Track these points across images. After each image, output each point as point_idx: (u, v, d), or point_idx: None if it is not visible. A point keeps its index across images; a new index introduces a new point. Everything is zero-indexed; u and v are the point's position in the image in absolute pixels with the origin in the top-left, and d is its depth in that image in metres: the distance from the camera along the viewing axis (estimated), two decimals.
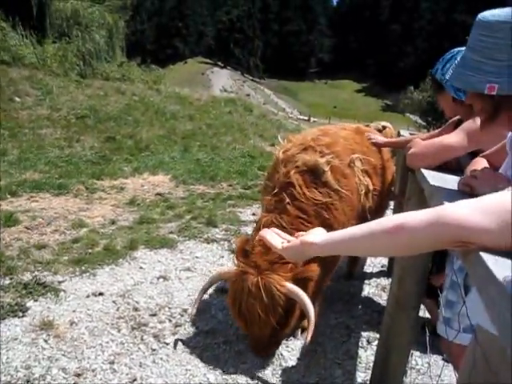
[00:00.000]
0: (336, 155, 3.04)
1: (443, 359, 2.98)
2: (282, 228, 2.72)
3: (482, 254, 0.76)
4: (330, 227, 2.83)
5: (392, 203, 4.96)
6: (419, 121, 39.18)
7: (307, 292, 2.74)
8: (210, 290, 3.78)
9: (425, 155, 2.06)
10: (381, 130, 7.91)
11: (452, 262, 2.33)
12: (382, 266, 4.75)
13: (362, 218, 3.22)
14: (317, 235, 1.19)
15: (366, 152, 3.40)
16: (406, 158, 2.30)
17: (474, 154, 1.90)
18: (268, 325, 2.74)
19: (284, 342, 3.19)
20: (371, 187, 3.30)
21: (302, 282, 2.75)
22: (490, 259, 0.73)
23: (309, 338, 2.65)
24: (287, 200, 2.88)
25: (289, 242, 1.30)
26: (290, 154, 3.10)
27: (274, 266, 2.72)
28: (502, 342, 0.61)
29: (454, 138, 2.02)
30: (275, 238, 1.36)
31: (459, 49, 2.21)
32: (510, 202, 0.78)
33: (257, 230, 3.02)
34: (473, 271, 0.81)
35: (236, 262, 2.94)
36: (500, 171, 1.39)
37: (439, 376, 2.76)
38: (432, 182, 1.63)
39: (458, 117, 2.41)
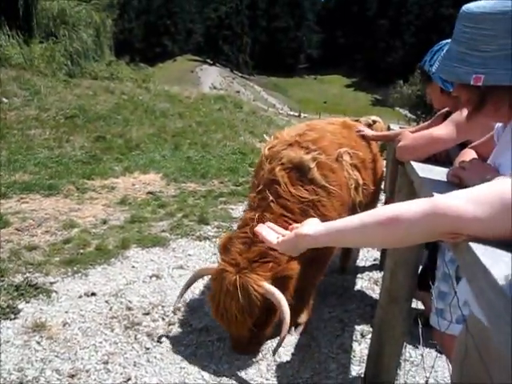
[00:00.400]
0: (323, 150, 3.02)
1: (436, 350, 3.00)
2: None
3: (471, 244, 0.76)
4: None
5: (383, 197, 4.99)
6: (409, 115, 39.38)
7: (288, 290, 2.74)
8: (202, 288, 3.78)
9: (414, 148, 2.07)
10: (371, 125, 7.94)
11: (443, 254, 2.34)
12: (374, 260, 4.77)
13: (353, 213, 3.21)
14: (311, 226, 1.19)
15: (355, 146, 3.39)
16: (395, 151, 2.31)
17: (462, 146, 1.91)
18: (245, 325, 2.72)
19: (278, 337, 3.19)
20: (361, 181, 3.30)
21: (281, 280, 2.72)
22: (479, 249, 0.73)
23: (281, 341, 2.62)
24: (271, 198, 2.85)
25: (284, 236, 1.30)
26: (275, 150, 3.08)
27: (254, 265, 2.70)
28: (492, 330, 0.61)
29: (443, 130, 2.03)
30: (270, 233, 1.36)
31: (447, 41, 2.22)
32: (502, 191, 0.79)
33: (239, 227, 3.02)
34: (462, 261, 0.82)
35: (218, 259, 2.93)
36: (488, 162, 1.40)
37: (433, 367, 2.78)
38: (421, 174, 1.64)
39: (446, 109, 2.42)
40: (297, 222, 2.71)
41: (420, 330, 2.38)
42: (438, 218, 0.83)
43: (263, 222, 2.76)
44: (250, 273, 2.66)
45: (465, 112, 1.86)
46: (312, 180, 2.91)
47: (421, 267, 2.71)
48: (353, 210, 3.19)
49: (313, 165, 2.90)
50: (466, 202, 0.81)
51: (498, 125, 1.48)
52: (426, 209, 0.87)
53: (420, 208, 0.88)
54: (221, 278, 2.73)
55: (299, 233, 1.20)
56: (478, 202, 0.80)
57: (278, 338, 2.68)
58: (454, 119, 2.02)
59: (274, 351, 2.71)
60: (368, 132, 3.66)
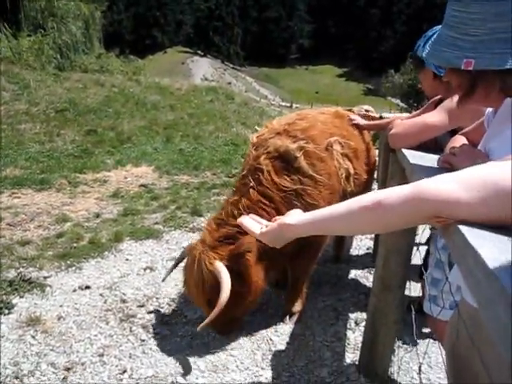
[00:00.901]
0: (311, 139, 3.01)
1: (430, 336, 3.03)
2: (238, 210, 2.83)
3: (460, 226, 0.76)
4: None
5: (376, 186, 5.00)
6: (401, 104, 39.40)
7: (249, 264, 2.77)
8: None
9: (407, 135, 2.07)
10: (364, 115, 7.94)
11: (436, 241, 2.36)
12: (367, 249, 4.80)
13: None
14: (294, 216, 1.19)
15: (346, 135, 3.39)
16: (387, 139, 2.32)
17: (453, 132, 1.92)
18: (200, 299, 2.85)
19: (273, 326, 3.22)
20: (352, 171, 3.30)
21: (239, 256, 2.76)
22: (467, 230, 0.74)
23: (206, 322, 2.64)
24: (251, 184, 2.90)
25: (267, 226, 1.29)
26: (263, 138, 3.10)
27: (216, 244, 2.81)
28: (481, 312, 0.62)
29: (435, 117, 2.04)
30: (254, 224, 1.36)
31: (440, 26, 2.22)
32: (488, 175, 0.79)
33: (221, 208, 3.10)
34: (452, 243, 0.82)
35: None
36: (479, 147, 1.41)
37: (425, 353, 2.82)
38: (412, 161, 1.64)
39: (438, 96, 2.43)
40: (277, 211, 2.79)
41: (413, 317, 2.40)
42: (421, 202, 0.83)
43: (238, 207, 2.87)
44: (210, 251, 2.76)
45: (456, 98, 1.86)
46: (298, 169, 2.91)
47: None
48: (344, 199, 3.18)
49: (299, 154, 2.91)
50: (452, 185, 0.81)
51: (488, 110, 1.49)
52: (409, 193, 0.87)
53: (403, 192, 0.88)
54: (189, 254, 2.90)
55: (282, 223, 1.20)
56: (463, 185, 0.80)
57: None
58: (446, 106, 2.03)
59: (201, 327, 2.68)
60: (360, 121, 3.66)
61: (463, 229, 0.75)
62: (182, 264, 3.07)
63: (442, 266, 2.28)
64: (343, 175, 3.20)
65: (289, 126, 3.10)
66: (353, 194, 3.28)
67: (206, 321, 2.64)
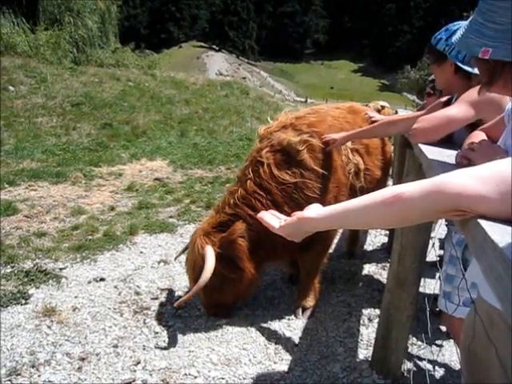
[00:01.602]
0: (317, 133, 3.02)
1: (446, 335, 3.01)
2: (234, 199, 2.97)
3: (479, 220, 0.75)
4: (301, 206, 2.83)
5: (390, 183, 4.97)
6: (416, 100, 38.95)
7: (241, 250, 2.88)
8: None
9: (430, 130, 2.05)
10: (379, 110, 7.89)
11: (451, 237, 2.34)
12: (381, 245, 4.77)
13: (354, 197, 3.20)
14: (313, 210, 1.18)
15: None
16: (408, 135, 2.29)
17: (471, 128, 1.89)
18: (191, 279, 3.03)
19: (286, 321, 3.22)
20: (362, 166, 3.28)
21: (231, 242, 2.88)
22: (487, 225, 0.73)
23: (183, 298, 2.85)
24: (250, 175, 2.98)
25: (285, 221, 1.29)
26: (269, 131, 3.14)
27: (211, 230, 2.96)
28: (502, 307, 0.61)
29: (456, 109, 2.02)
30: (273, 218, 1.36)
31: (465, 22, 2.19)
32: (508, 170, 0.78)
33: (222, 198, 3.23)
34: (471, 238, 0.81)
35: None
36: (498, 143, 1.39)
37: (440, 350, 2.80)
38: (430, 156, 1.62)
39: (446, 97, 2.40)
40: (274, 203, 2.82)
41: (427, 313, 2.38)
42: (440, 196, 0.83)
43: (234, 196, 2.95)
44: (204, 236, 2.91)
45: (474, 90, 1.84)
46: (300, 162, 2.93)
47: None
48: (353, 194, 3.19)
49: (302, 147, 2.92)
50: (471, 179, 0.80)
51: (509, 107, 1.47)
52: (428, 187, 0.86)
53: (423, 186, 0.88)
54: (191, 238, 3.11)
55: (301, 216, 1.20)
56: (484, 179, 0.79)
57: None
58: (467, 98, 2.01)
59: (177, 303, 2.90)
60: (377, 117, 3.63)
61: (483, 223, 0.74)
62: None
63: (456, 262, 2.26)
64: (352, 170, 3.19)
65: (296, 120, 3.13)
66: (364, 190, 3.27)
67: (184, 297, 2.85)
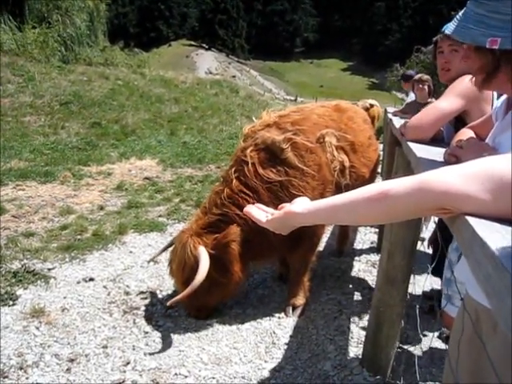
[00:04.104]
0: (301, 131, 3.04)
1: (440, 335, 3.03)
2: (220, 199, 2.96)
3: (468, 217, 0.75)
4: None
5: (380, 180, 4.98)
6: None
7: (233, 254, 2.89)
8: None
9: (420, 123, 2.07)
10: (368, 109, 7.92)
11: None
12: (371, 243, 4.79)
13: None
14: (300, 205, 1.18)
15: (344, 129, 3.38)
16: (391, 132, 2.30)
17: (459, 126, 1.90)
18: (178, 280, 3.02)
19: (276, 319, 3.22)
20: (347, 164, 3.28)
21: (225, 246, 2.87)
22: (475, 222, 0.73)
23: (177, 298, 2.82)
24: (235, 175, 2.99)
25: (273, 214, 1.29)
26: (253, 130, 3.16)
27: (201, 231, 2.95)
28: (491, 304, 0.61)
29: (446, 102, 2.04)
30: (259, 212, 1.35)
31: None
32: (493, 167, 0.78)
33: (208, 197, 3.22)
34: (459, 235, 0.81)
35: None
36: (486, 141, 1.39)
37: (429, 347, 2.81)
38: (418, 154, 1.63)
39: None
40: (261, 201, 2.82)
41: (417, 311, 2.39)
42: (426, 193, 0.83)
43: (220, 196, 2.95)
44: (196, 237, 2.90)
45: (462, 80, 1.85)
46: (284, 160, 2.94)
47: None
48: (339, 192, 3.18)
49: (286, 145, 2.93)
50: (457, 177, 0.80)
51: (497, 105, 1.47)
52: (414, 184, 0.86)
53: (409, 183, 0.87)
54: (177, 238, 3.07)
55: (288, 211, 1.20)
56: (469, 177, 0.79)
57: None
58: (452, 89, 2.03)
59: (171, 302, 2.86)
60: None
61: (471, 220, 0.74)
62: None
63: (450, 267, 2.26)
64: (337, 168, 3.19)
65: (280, 119, 3.15)
66: (350, 187, 3.27)
67: (178, 297, 2.82)
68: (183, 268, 2.91)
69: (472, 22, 1.20)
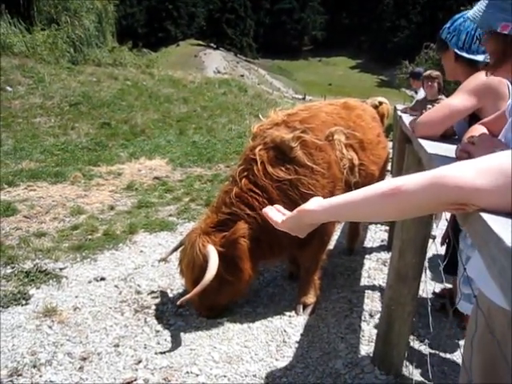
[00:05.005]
0: (310, 129, 3.02)
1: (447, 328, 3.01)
2: (229, 198, 2.96)
3: (481, 213, 0.75)
4: (296, 203, 2.84)
5: (390, 177, 4.96)
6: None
7: (242, 251, 2.89)
8: None
9: (430, 120, 2.07)
10: (377, 106, 7.88)
11: (466, 238, 2.33)
12: (381, 241, 4.77)
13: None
14: (313, 202, 1.18)
15: (352, 126, 3.36)
16: (401, 129, 2.29)
17: (471, 122, 1.89)
18: (188, 279, 3.02)
19: (287, 318, 3.21)
20: (356, 162, 3.27)
21: (233, 242, 2.87)
22: (489, 218, 0.72)
23: (187, 296, 2.83)
24: (244, 174, 2.99)
25: (287, 215, 1.28)
26: (262, 128, 3.15)
27: (210, 230, 2.95)
28: (505, 299, 0.60)
29: (457, 99, 2.02)
30: (276, 214, 1.35)
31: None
32: (507, 162, 0.77)
33: (217, 196, 3.23)
34: (473, 232, 0.80)
35: None
36: (499, 137, 1.38)
37: (441, 345, 2.79)
38: (430, 151, 1.62)
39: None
40: (270, 201, 2.81)
41: (429, 309, 2.38)
42: (440, 188, 0.82)
43: (230, 195, 2.96)
44: (205, 236, 2.90)
45: (473, 78, 1.83)
46: (294, 159, 2.94)
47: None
48: (348, 189, 3.18)
49: (295, 144, 2.92)
50: (470, 172, 0.79)
51: (509, 102, 1.46)
52: (428, 179, 0.85)
53: (423, 179, 0.87)
54: (187, 237, 3.08)
55: (302, 209, 1.19)
56: (483, 172, 0.78)
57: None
58: (464, 87, 2.02)
59: (181, 300, 2.87)
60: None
61: (484, 216, 0.73)
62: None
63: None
64: (346, 165, 3.17)
65: (288, 117, 3.14)
66: (359, 185, 3.26)
67: (188, 296, 2.83)
68: (192, 267, 2.92)
69: (491, 5, 1.20)
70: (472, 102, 1.98)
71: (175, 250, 3.37)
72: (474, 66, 2.15)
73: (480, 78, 1.96)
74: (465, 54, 2.16)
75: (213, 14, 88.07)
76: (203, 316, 3.19)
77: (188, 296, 2.83)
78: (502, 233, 0.63)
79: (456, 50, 2.22)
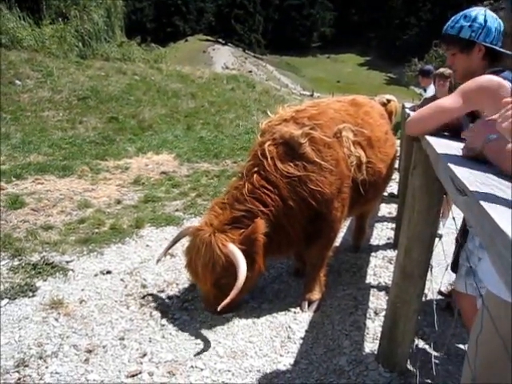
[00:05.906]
0: (318, 126, 3.02)
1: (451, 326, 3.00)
2: (241, 195, 2.90)
3: (488, 210, 0.74)
4: (304, 200, 2.87)
5: (397, 176, 4.94)
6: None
7: (261, 247, 2.84)
8: None
9: (420, 118, 2.07)
10: (385, 104, 7.85)
11: (472, 239, 2.32)
12: (388, 239, 4.76)
13: (355, 190, 3.20)
14: None
15: (360, 124, 3.35)
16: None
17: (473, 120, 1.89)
18: (207, 281, 2.91)
19: (292, 314, 3.22)
20: (364, 159, 3.25)
21: (254, 240, 2.82)
22: (496, 215, 0.72)
23: (226, 301, 2.72)
24: (255, 169, 2.97)
25: None
26: (270, 125, 3.14)
27: (225, 227, 2.87)
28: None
29: (449, 100, 2.01)
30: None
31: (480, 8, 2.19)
32: None
33: (226, 193, 3.17)
34: (480, 229, 0.80)
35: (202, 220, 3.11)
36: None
37: (446, 343, 2.79)
38: (437, 149, 1.61)
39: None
40: (281, 196, 2.79)
41: (434, 307, 2.37)
42: None
43: (242, 192, 2.92)
44: (220, 233, 2.82)
45: (473, 81, 1.83)
46: (302, 155, 2.93)
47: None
48: (355, 187, 3.18)
49: (304, 140, 2.92)
50: None
51: None
52: None
53: None
54: (196, 236, 2.93)
55: None
56: None
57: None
58: (461, 88, 2.00)
59: (221, 306, 2.75)
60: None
61: (492, 214, 0.73)
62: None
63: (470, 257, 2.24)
64: (354, 163, 3.16)
65: (296, 113, 3.13)
66: (366, 183, 3.26)
67: (226, 301, 2.72)
68: (212, 267, 2.82)
69: None
70: (460, 105, 1.95)
71: (170, 247, 3.35)
72: (498, 61, 2.12)
73: (478, 81, 1.94)
74: (498, 48, 2.13)
75: (222, 9, 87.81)
76: (218, 314, 3.07)
77: (227, 300, 2.73)
78: (508, 229, 0.63)
79: (489, 45, 2.15)
